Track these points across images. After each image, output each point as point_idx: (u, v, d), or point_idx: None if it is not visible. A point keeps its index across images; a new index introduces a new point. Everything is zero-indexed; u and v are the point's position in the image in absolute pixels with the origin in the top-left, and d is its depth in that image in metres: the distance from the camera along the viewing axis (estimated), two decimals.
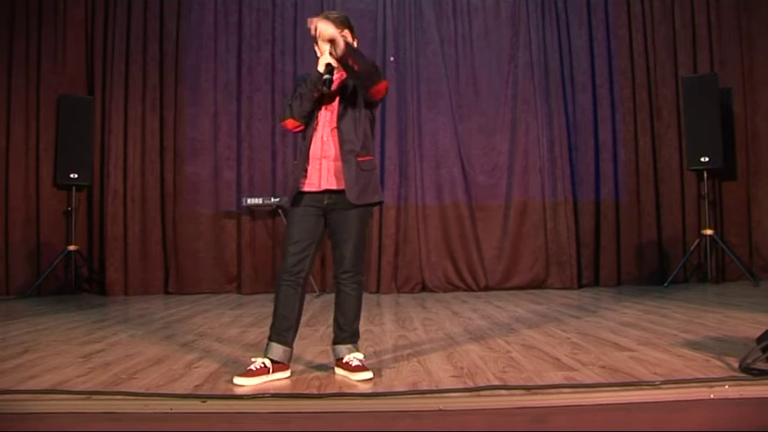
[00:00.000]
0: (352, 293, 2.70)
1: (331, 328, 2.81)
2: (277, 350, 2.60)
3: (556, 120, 6.54)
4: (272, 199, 6.34)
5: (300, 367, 2.81)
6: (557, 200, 6.46)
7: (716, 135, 6.11)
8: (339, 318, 2.71)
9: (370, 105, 2.73)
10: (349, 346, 2.68)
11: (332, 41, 2.51)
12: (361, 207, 2.66)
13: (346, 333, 2.69)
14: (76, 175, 6.42)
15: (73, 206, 6.45)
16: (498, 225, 6.52)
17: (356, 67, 2.52)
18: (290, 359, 2.65)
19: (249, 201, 6.33)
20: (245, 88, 6.71)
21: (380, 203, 2.79)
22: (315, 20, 2.57)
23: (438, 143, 6.59)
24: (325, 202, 2.67)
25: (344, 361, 2.62)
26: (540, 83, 6.59)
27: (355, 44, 2.68)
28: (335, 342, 2.72)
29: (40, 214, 6.47)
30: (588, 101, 6.59)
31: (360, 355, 2.65)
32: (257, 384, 2.48)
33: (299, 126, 2.71)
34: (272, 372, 2.56)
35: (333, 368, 2.71)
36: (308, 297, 5.84)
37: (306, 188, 2.66)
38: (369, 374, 2.53)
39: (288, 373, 2.62)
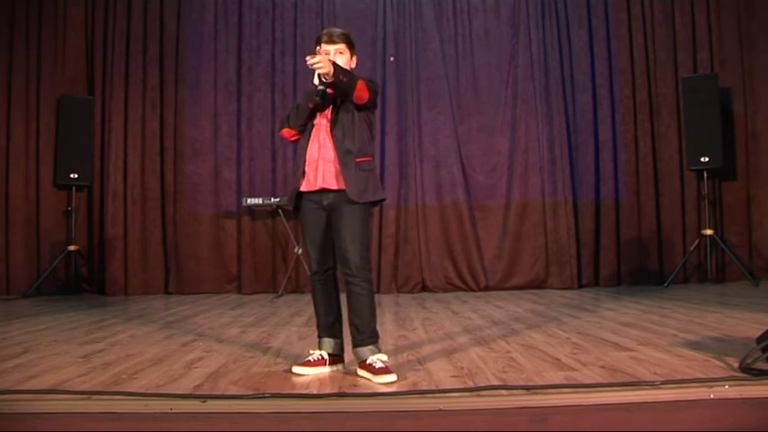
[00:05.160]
0: (363, 293, 2.66)
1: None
2: (329, 343, 2.76)
3: (556, 120, 6.54)
4: (272, 199, 6.33)
5: None
6: (557, 200, 6.46)
7: (716, 135, 6.11)
8: (354, 319, 2.67)
9: (364, 109, 2.73)
10: (371, 347, 2.62)
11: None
12: (361, 206, 2.67)
13: (365, 334, 2.64)
14: (76, 175, 6.42)
15: (73, 206, 6.44)
16: (498, 225, 6.52)
17: (341, 77, 2.56)
18: (342, 350, 2.79)
19: (249, 201, 6.34)
20: (245, 88, 6.71)
21: (382, 201, 2.82)
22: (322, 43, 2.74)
23: (438, 143, 6.59)
24: (325, 202, 2.71)
25: (368, 362, 2.57)
26: (540, 83, 6.58)
27: (354, 61, 2.78)
28: (356, 345, 2.65)
29: (40, 214, 6.47)
30: (588, 101, 6.59)
31: (383, 357, 2.60)
32: (315, 374, 2.64)
33: (295, 135, 2.81)
34: (330, 364, 2.72)
35: (356, 369, 2.66)
36: (305, 298, 5.94)
37: (304, 188, 2.73)
38: (392, 377, 2.49)
39: (343, 365, 2.78)
